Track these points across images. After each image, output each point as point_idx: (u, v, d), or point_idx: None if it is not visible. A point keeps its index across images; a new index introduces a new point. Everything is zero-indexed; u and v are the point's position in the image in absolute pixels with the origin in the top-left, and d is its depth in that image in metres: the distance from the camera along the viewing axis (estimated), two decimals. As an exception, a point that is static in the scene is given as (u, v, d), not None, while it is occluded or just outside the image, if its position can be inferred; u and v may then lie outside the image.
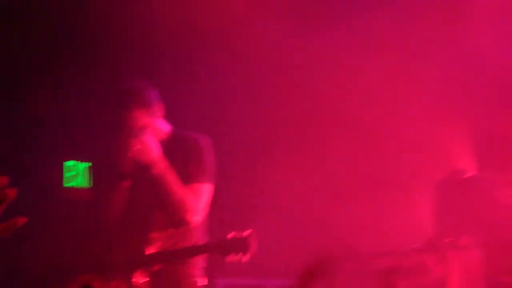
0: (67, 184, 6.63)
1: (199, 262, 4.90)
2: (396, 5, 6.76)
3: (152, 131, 4.79)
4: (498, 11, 6.72)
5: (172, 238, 4.85)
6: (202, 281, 4.91)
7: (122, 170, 4.75)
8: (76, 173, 6.62)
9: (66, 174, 6.62)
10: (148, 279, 4.73)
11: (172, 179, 4.76)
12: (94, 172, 5.19)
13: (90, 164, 5.69)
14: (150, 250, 4.77)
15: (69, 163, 6.62)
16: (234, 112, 6.96)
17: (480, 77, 6.74)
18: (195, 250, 4.81)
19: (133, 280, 4.70)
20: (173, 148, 4.87)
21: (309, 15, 6.76)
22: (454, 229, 6.44)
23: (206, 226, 4.97)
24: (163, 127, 4.91)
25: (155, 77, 5.02)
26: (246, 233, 4.64)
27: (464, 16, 6.68)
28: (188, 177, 4.81)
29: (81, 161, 6.61)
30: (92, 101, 5.65)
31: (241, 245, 4.61)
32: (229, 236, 4.65)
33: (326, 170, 6.83)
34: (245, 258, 4.62)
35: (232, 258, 4.62)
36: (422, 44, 6.70)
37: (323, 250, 6.40)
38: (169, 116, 4.91)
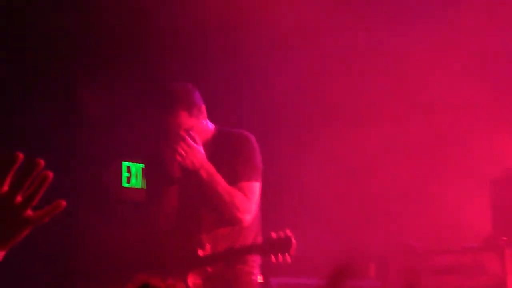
0: (125, 184, 6.71)
1: (256, 259, 4.92)
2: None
3: (197, 132, 4.82)
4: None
5: (224, 238, 4.87)
6: (259, 278, 4.93)
7: (171, 174, 4.81)
8: (132, 174, 6.70)
9: (124, 175, 6.71)
10: (201, 282, 4.76)
11: (219, 182, 4.78)
12: (146, 173, 5.25)
13: (144, 165, 5.77)
14: (202, 251, 4.80)
15: (126, 164, 6.70)
16: (272, 110, 6.95)
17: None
18: (241, 251, 4.82)
19: (188, 281, 4.74)
20: (219, 146, 4.89)
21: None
22: (511, 227, 6.33)
23: (259, 225, 4.98)
24: (208, 127, 4.93)
25: (200, 76, 5.05)
26: (288, 232, 4.64)
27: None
28: (236, 176, 4.83)
29: (137, 162, 6.69)
30: (143, 102, 5.71)
31: (284, 245, 4.62)
32: (273, 235, 4.66)
33: (379, 165, 6.78)
34: (288, 257, 4.62)
35: (276, 257, 4.63)
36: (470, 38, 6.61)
37: (377, 247, 6.37)
38: (215, 115, 4.94)
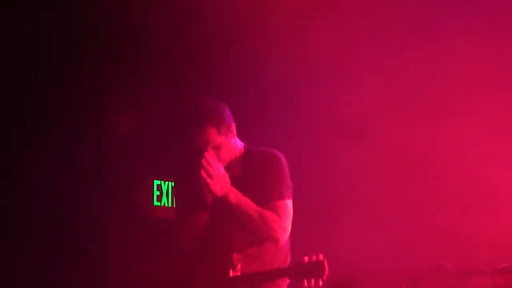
0: (156, 203, 6.73)
1: (285, 279, 4.89)
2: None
3: (225, 150, 4.80)
4: None
5: (256, 258, 4.84)
6: None
7: (201, 196, 4.78)
8: (163, 192, 6.72)
9: (155, 193, 6.72)
10: None
11: (248, 204, 4.75)
12: (177, 192, 5.24)
13: (173, 183, 5.78)
14: (233, 271, 4.77)
15: (157, 182, 6.71)
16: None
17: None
18: (273, 274, 4.78)
19: None
20: (249, 165, 4.86)
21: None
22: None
23: (289, 243, 4.95)
24: (238, 145, 4.91)
25: (233, 94, 5.04)
26: (321, 256, 4.58)
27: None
28: (267, 195, 4.80)
29: (167, 180, 6.70)
30: (174, 119, 5.73)
31: (317, 270, 4.55)
32: (306, 259, 4.60)
33: (412, 182, 6.74)
34: (321, 282, 4.56)
35: (308, 282, 4.56)
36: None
37: (411, 266, 6.31)
38: (246, 134, 4.93)
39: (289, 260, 4.92)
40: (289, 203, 4.86)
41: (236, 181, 4.77)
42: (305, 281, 4.55)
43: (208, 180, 4.67)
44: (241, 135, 4.88)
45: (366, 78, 6.68)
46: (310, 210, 6.66)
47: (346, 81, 6.74)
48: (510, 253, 6.30)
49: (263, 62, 6.67)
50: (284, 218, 4.81)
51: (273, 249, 4.85)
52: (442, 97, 6.72)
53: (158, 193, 6.72)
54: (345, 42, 6.55)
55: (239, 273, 4.74)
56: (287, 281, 4.88)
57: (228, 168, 4.79)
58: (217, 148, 4.75)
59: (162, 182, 6.72)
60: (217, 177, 4.71)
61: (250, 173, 4.83)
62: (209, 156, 4.70)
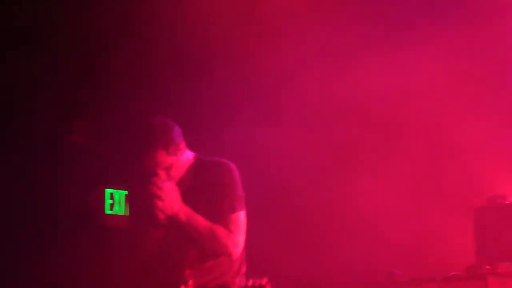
0: (108, 211, 6.69)
1: None
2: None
3: (176, 169, 4.78)
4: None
5: (208, 272, 4.83)
6: None
7: (153, 215, 4.76)
8: (116, 201, 6.69)
9: (107, 201, 6.69)
10: None
11: (199, 221, 4.74)
12: (130, 201, 5.22)
13: (127, 192, 5.75)
14: (186, 287, 4.76)
15: (110, 191, 6.68)
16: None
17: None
18: None
19: None
20: (199, 177, 4.83)
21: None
22: (494, 256, 6.34)
23: (243, 254, 4.95)
24: (188, 157, 4.88)
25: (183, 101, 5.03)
26: (264, 281, 4.60)
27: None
28: (219, 209, 4.78)
29: (120, 188, 6.67)
30: (124, 136, 5.70)
31: None
32: (249, 283, 4.62)
33: (365, 193, 6.79)
34: None
35: None
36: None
37: (361, 274, 6.37)
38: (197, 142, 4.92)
39: (244, 269, 4.93)
40: (241, 214, 4.85)
41: (188, 195, 4.76)
42: None
43: (159, 203, 4.67)
44: (192, 143, 4.87)
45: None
46: (267, 218, 6.68)
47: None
48: (459, 261, 6.38)
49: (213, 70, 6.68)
50: (236, 232, 4.80)
51: (227, 262, 4.85)
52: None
53: (111, 201, 6.69)
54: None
55: None
56: None
57: (179, 182, 4.78)
58: (167, 168, 4.73)
59: (115, 190, 6.69)
60: (168, 198, 4.70)
61: (202, 186, 4.81)
62: (159, 179, 4.69)
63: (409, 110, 6.67)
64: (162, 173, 4.69)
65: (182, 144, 4.80)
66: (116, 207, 6.68)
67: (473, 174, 6.72)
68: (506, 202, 6.55)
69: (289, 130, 6.83)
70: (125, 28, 6.39)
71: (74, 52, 6.35)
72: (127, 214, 5.22)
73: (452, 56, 6.68)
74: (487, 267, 6.16)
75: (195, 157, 4.89)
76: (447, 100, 6.67)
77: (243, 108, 6.86)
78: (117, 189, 6.67)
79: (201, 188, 4.81)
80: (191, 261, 4.79)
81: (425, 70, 6.73)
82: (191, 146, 4.88)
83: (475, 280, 6.14)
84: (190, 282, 4.74)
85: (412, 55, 6.69)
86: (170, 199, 4.69)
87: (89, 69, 6.45)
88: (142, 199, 4.78)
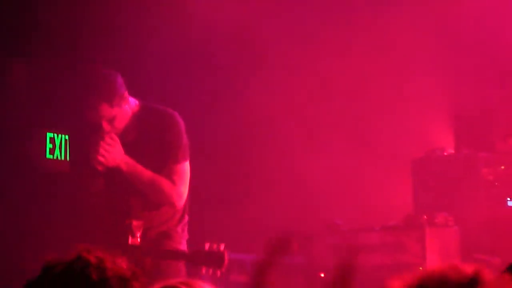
0: (48, 156, 6.58)
1: (184, 236, 4.90)
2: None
3: (120, 120, 4.73)
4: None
5: (153, 220, 4.82)
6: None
7: (96, 166, 4.71)
8: (56, 145, 6.58)
9: (47, 146, 6.58)
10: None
11: (141, 172, 4.72)
12: (71, 145, 5.15)
13: (68, 137, 5.67)
14: (132, 239, 4.74)
15: (50, 135, 6.57)
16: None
17: (459, 53, 6.72)
18: (172, 255, 4.76)
19: None
20: (143, 126, 4.80)
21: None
22: (432, 206, 6.46)
23: (187, 204, 4.94)
24: (132, 105, 4.82)
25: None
26: (222, 246, 4.58)
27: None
28: (164, 159, 4.77)
29: (61, 133, 6.56)
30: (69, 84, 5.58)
31: (217, 260, 4.55)
32: (206, 246, 4.60)
33: (306, 146, 6.83)
34: (220, 272, 4.56)
35: (207, 271, 4.56)
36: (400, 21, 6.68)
37: (303, 225, 6.43)
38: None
39: (186, 219, 4.93)
40: (185, 165, 4.84)
41: (131, 146, 4.73)
42: (204, 269, 4.56)
43: (100, 158, 4.63)
44: (139, 91, 4.83)
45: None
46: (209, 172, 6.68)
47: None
48: (397, 211, 6.48)
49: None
50: (179, 183, 4.80)
51: (170, 211, 4.85)
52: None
53: (51, 146, 6.59)
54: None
55: (138, 240, 4.72)
56: (186, 237, 4.91)
57: (123, 132, 4.73)
58: (110, 120, 4.68)
59: (55, 134, 6.59)
60: (109, 152, 4.66)
61: (145, 137, 4.78)
62: (102, 132, 4.64)
63: (351, 68, 6.69)
64: (105, 125, 4.65)
65: (126, 94, 4.75)
66: (56, 152, 6.59)
67: (414, 127, 6.80)
68: (444, 153, 6.67)
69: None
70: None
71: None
72: (68, 159, 5.16)
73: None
74: (425, 217, 6.28)
75: (139, 105, 4.84)
76: (385, 58, 6.71)
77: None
78: (58, 133, 6.57)
79: (145, 138, 4.78)
80: (135, 211, 4.78)
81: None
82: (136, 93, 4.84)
83: (412, 229, 6.26)
84: (138, 234, 4.73)
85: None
86: (111, 153, 4.66)
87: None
88: (83, 147, 4.74)
